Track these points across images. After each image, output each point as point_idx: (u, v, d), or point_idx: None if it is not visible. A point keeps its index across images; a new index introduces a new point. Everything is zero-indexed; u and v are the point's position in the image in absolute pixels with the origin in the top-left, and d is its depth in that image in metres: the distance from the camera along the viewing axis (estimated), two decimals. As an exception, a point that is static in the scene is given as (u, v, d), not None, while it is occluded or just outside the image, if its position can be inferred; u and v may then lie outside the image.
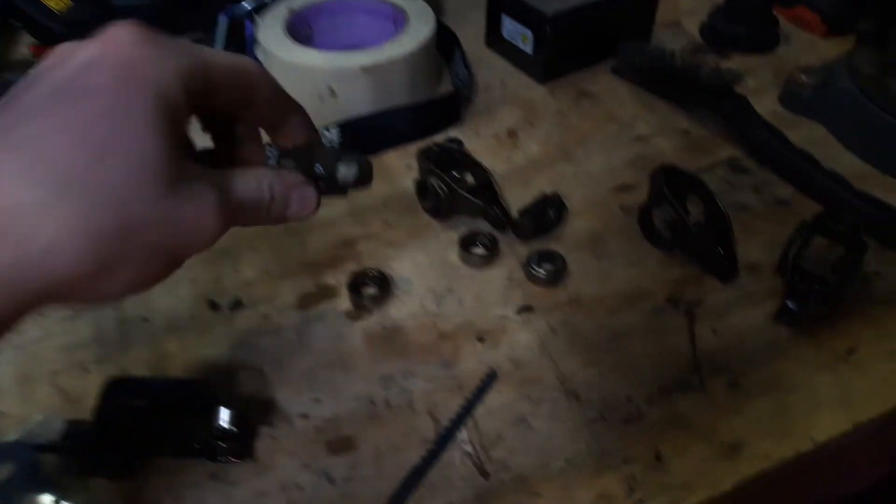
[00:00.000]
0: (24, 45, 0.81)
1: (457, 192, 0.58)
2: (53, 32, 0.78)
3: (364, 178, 0.37)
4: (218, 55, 0.32)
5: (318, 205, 0.36)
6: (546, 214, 0.58)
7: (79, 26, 0.77)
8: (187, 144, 0.32)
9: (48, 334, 0.52)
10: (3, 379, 0.49)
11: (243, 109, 0.34)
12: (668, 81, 0.71)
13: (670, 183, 0.55)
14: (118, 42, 0.28)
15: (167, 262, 0.30)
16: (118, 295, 0.29)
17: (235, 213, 0.32)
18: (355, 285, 0.54)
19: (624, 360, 0.49)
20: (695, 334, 0.51)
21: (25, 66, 0.78)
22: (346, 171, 0.36)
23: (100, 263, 0.27)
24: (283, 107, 0.35)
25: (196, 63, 0.30)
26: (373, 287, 0.55)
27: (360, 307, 0.53)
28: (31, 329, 0.52)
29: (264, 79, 0.34)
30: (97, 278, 0.27)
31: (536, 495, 0.43)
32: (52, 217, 0.25)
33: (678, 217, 0.54)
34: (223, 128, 0.36)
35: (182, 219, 0.29)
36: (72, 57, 0.28)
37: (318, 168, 0.36)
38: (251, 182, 0.33)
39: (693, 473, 0.43)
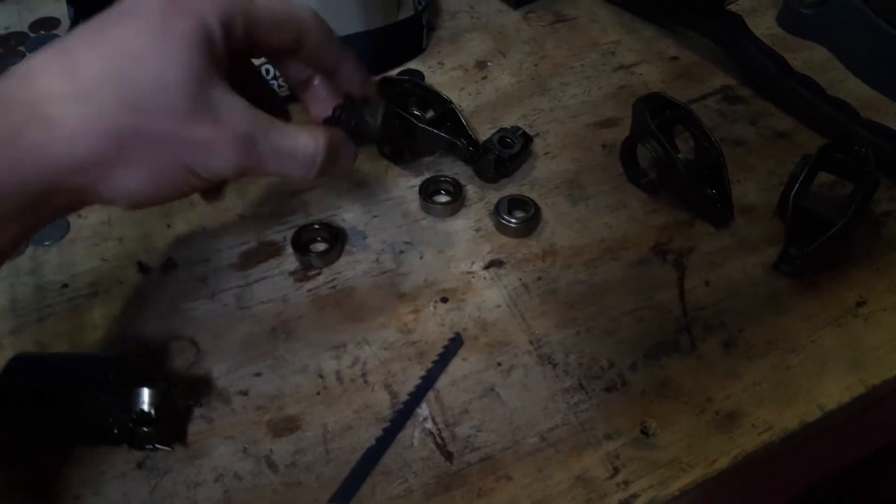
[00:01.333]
0: None
1: (416, 127, 0.51)
2: None
3: (388, 123, 0.40)
4: (263, 2, 0.35)
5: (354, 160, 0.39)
6: (508, 145, 0.51)
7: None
8: (228, 79, 0.33)
9: (-48, 305, 0.46)
10: None
11: (294, 52, 0.37)
12: (653, 1, 0.64)
13: (656, 114, 0.49)
14: None
15: (183, 175, 0.33)
16: (134, 195, 0.33)
17: (262, 156, 0.34)
18: (301, 241, 0.48)
19: (605, 320, 0.44)
20: (684, 288, 0.45)
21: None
22: (371, 119, 0.39)
23: (111, 155, 0.31)
24: (333, 51, 0.38)
25: (238, 3, 0.33)
26: (321, 243, 0.48)
27: (308, 266, 0.47)
28: (-67, 299, 0.46)
29: (315, 24, 0.37)
30: (109, 168, 0.31)
31: (506, 478, 0.37)
32: (76, 109, 0.30)
33: (665, 153, 0.47)
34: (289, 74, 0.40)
35: (193, 137, 0.32)
36: None
37: (351, 120, 0.39)
38: (292, 133, 0.35)
39: (684, 449, 0.38)
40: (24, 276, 0.47)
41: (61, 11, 0.69)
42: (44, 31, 0.68)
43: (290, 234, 0.49)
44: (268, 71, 0.54)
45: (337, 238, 0.48)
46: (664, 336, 0.43)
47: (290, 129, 0.35)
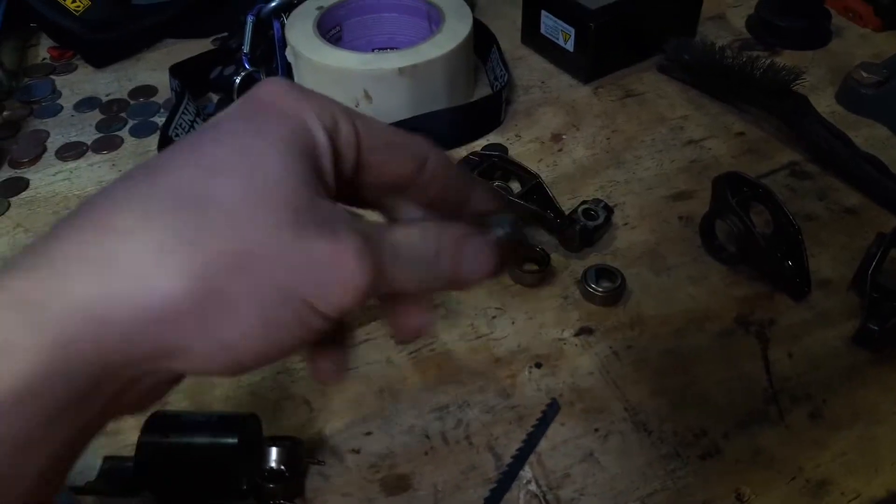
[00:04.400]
0: (43, 49, 0.77)
1: (507, 200, 0.54)
2: (72, 33, 0.74)
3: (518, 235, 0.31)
4: (377, 121, 0.27)
5: (497, 264, 0.28)
6: (592, 217, 0.55)
7: (97, 27, 0.74)
8: (327, 194, 0.25)
9: (80, 362, 0.49)
10: (34, 411, 0.46)
11: (408, 187, 0.28)
12: (719, 79, 0.67)
13: (735, 192, 0.52)
14: (267, 86, 0.25)
15: (300, 312, 0.23)
16: (239, 347, 0.23)
17: (388, 263, 0.25)
18: None
19: (695, 389, 0.46)
20: (769, 359, 0.47)
21: (44, 69, 0.75)
22: (500, 230, 0.29)
23: (200, 295, 0.21)
24: (461, 180, 0.29)
25: (346, 115, 0.26)
26: None
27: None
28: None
29: (435, 150, 0.28)
30: (200, 317, 0.22)
31: (611, 541, 0.40)
32: (142, 232, 0.21)
33: (745, 229, 0.50)
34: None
35: (308, 256, 0.23)
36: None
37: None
38: (411, 230, 0.26)
39: (780, 516, 0.40)
40: (141, 334, 0.51)
41: (157, 80, 0.74)
42: (143, 99, 0.73)
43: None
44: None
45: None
46: (753, 406, 0.45)
47: (402, 227, 0.27)
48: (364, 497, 0.42)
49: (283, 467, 0.40)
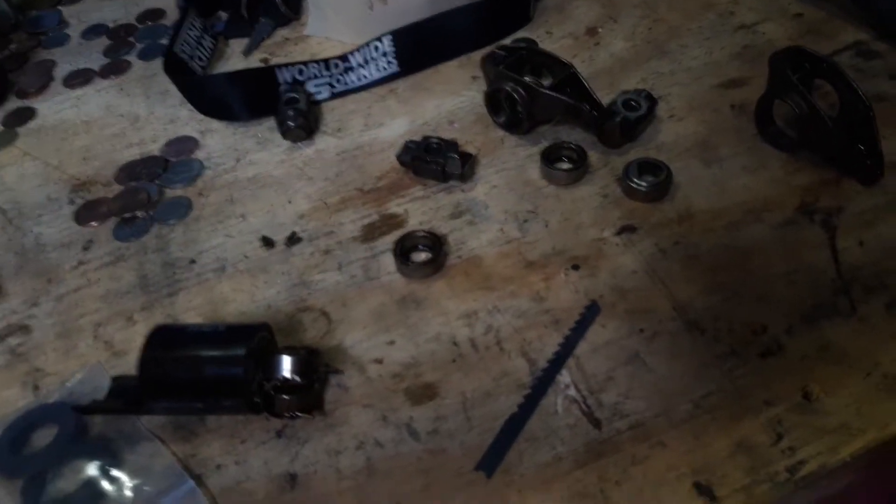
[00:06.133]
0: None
1: (537, 93, 0.49)
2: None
3: None
4: None
5: None
6: (633, 108, 0.49)
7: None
8: None
9: (88, 282, 0.46)
10: (41, 332, 0.44)
11: None
12: (773, -42, 0.60)
13: (795, 69, 0.46)
14: None
15: None
16: None
17: None
18: (404, 251, 0.45)
19: (753, 284, 0.41)
20: (837, 249, 0.42)
21: (52, 0, 0.72)
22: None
23: None
24: None
25: None
26: (424, 253, 0.46)
27: (408, 275, 0.44)
28: (70, 277, 0.47)
29: None
30: None
31: (661, 445, 0.35)
32: None
33: (810, 108, 0.44)
34: None
35: None
36: None
37: None
38: None
39: (853, 414, 0.35)
40: (151, 254, 0.48)
41: (165, 2, 0.71)
42: (150, 22, 0.70)
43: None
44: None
45: (438, 245, 0.45)
46: (820, 299, 0.40)
47: None
48: (388, 407, 0.38)
49: (297, 377, 0.37)
